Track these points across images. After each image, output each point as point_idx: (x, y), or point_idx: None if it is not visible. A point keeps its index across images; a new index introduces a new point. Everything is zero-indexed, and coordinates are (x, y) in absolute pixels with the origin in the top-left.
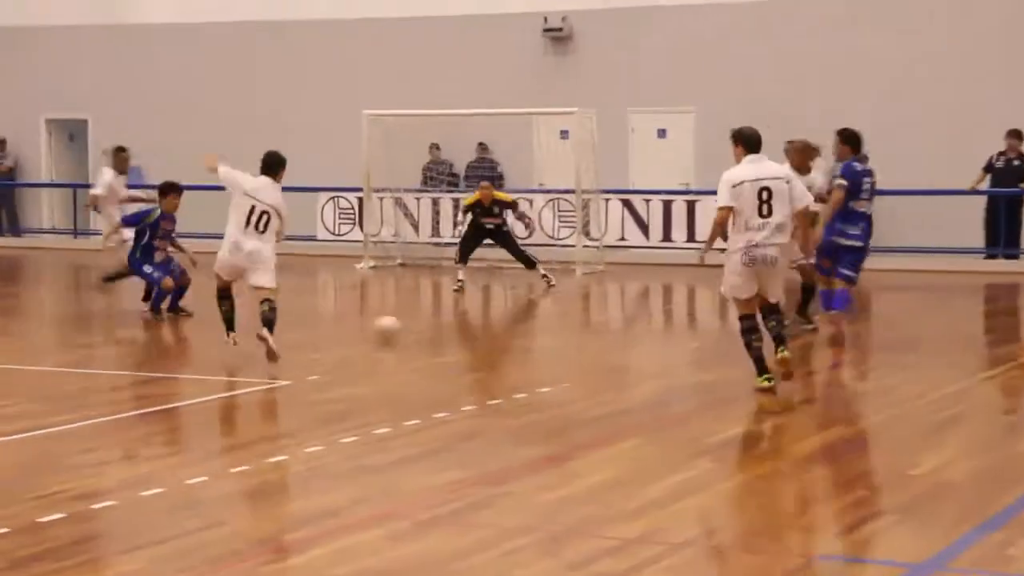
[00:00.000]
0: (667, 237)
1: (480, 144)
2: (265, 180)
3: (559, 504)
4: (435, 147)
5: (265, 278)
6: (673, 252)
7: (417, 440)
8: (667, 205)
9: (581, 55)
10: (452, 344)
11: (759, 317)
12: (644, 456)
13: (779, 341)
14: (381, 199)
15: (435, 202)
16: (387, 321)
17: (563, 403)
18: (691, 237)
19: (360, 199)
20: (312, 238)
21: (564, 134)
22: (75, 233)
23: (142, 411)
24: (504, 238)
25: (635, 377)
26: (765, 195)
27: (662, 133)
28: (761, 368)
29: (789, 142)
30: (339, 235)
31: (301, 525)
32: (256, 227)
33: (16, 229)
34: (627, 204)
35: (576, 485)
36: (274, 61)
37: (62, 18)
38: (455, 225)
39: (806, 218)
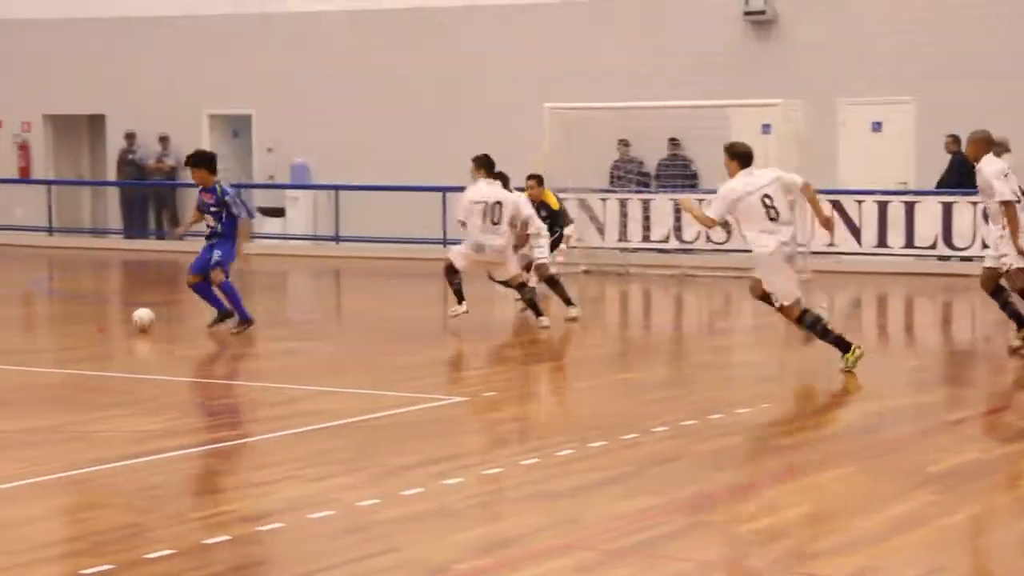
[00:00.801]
0: (882, 242)
1: (672, 140)
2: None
3: (759, 536)
4: (623, 143)
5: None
6: (889, 260)
7: (603, 463)
8: (882, 207)
9: (785, 40)
10: (641, 359)
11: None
12: (855, 485)
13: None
14: (563, 200)
15: (623, 203)
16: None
17: (763, 425)
18: (910, 242)
19: None
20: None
21: (766, 128)
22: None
23: (310, 428)
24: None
25: (845, 398)
26: (768, 200)
27: (877, 126)
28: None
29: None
30: None
31: (478, 553)
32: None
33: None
34: (836, 206)
35: (778, 516)
36: (447, 51)
37: (223, 7)
38: (645, 228)
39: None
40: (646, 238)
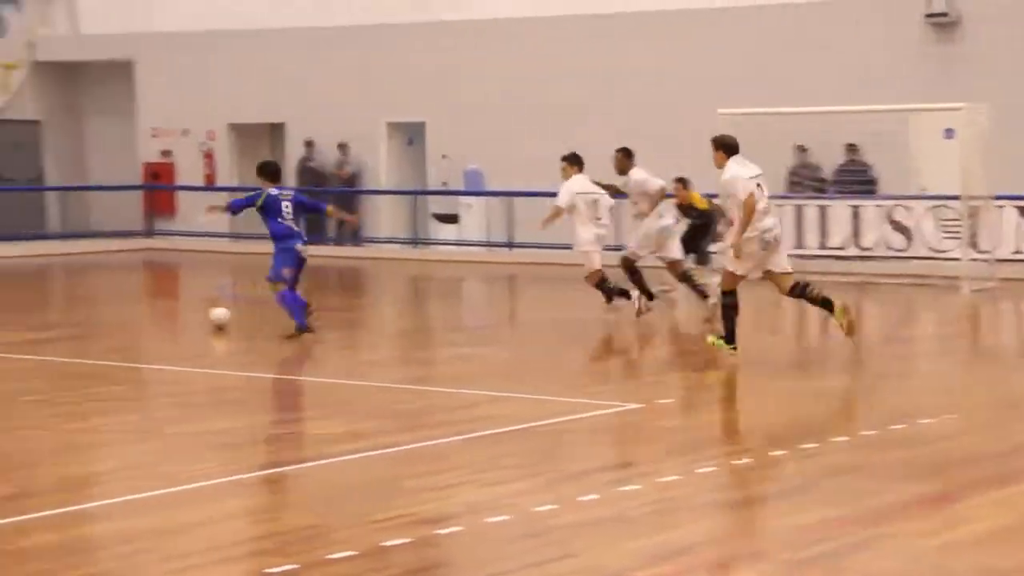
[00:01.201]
0: None
1: (849, 145)
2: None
3: (944, 551)
4: (800, 149)
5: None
6: None
7: (782, 473)
8: None
9: (970, 43)
10: (819, 367)
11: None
12: None
13: (827, 302)
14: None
15: (799, 209)
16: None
17: (948, 437)
18: None
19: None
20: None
21: (948, 133)
22: (414, 242)
23: (486, 432)
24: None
25: None
26: (759, 190)
27: None
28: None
29: None
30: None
31: (655, 561)
32: None
33: (357, 239)
34: None
35: (964, 531)
36: (619, 58)
37: (401, 16)
38: (821, 235)
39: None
40: (823, 245)
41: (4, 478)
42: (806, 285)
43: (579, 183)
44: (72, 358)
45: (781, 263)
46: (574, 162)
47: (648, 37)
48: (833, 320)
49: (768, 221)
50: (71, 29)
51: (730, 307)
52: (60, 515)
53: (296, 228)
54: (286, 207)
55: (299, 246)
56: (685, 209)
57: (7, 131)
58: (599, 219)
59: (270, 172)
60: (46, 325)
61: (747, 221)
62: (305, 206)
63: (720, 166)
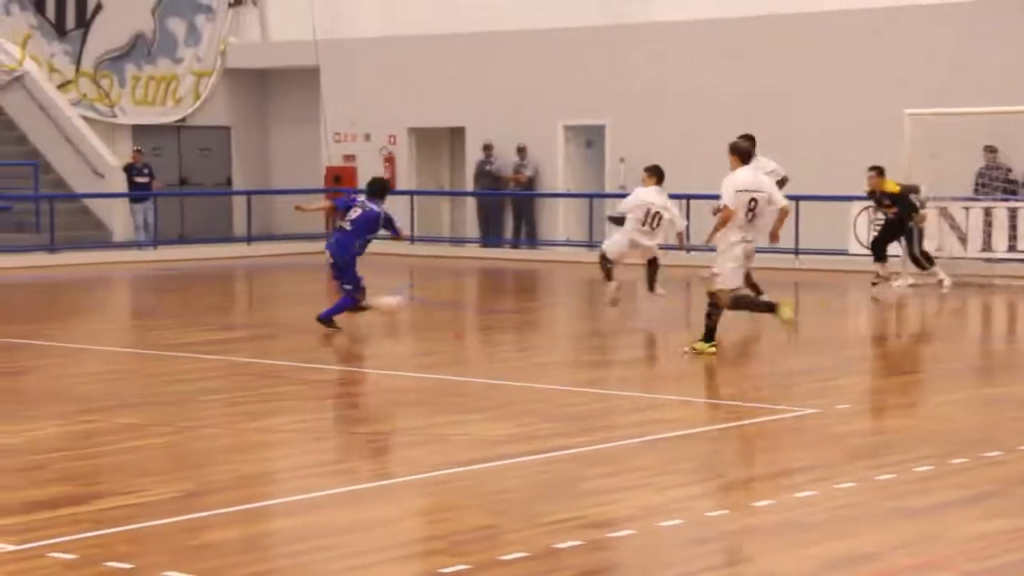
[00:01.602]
0: None
1: None
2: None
3: None
4: (990, 150)
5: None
6: None
7: (964, 481)
8: None
9: None
10: (1005, 373)
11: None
12: None
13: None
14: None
15: (987, 212)
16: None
17: None
18: None
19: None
20: (844, 252)
21: None
22: (590, 245)
23: (659, 436)
24: (898, 229)
25: None
26: (752, 204)
27: None
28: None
29: None
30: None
31: (831, 569)
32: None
33: (533, 241)
34: None
35: None
36: (798, 58)
37: (579, 19)
38: (1011, 238)
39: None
40: (1012, 248)
41: (183, 475)
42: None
43: (648, 194)
44: (255, 358)
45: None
46: (653, 174)
47: (830, 37)
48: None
49: (751, 232)
50: (261, 37)
51: (719, 311)
52: (237, 512)
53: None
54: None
55: None
56: (879, 197)
57: (198, 137)
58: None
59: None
60: (231, 326)
61: (717, 228)
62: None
63: (735, 170)
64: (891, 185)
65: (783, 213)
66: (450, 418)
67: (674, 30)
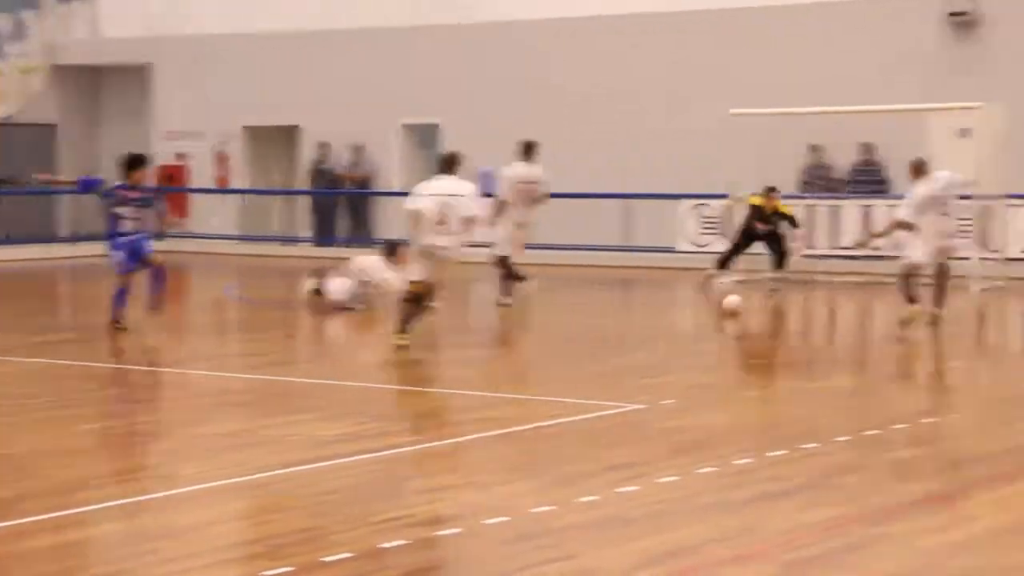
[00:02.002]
0: None
1: (863, 145)
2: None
3: (947, 550)
4: (814, 148)
5: None
6: None
7: (783, 473)
8: None
9: (991, 42)
10: (824, 367)
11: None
12: None
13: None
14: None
15: (811, 209)
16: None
17: (952, 436)
18: None
19: (729, 208)
20: (671, 250)
21: (965, 132)
22: None
23: (487, 434)
24: (776, 242)
25: None
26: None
27: None
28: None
29: None
30: (701, 247)
31: (653, 562)
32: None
33: (369, 240)
34: None
35: (966, 529)
36: (631, 58)
37: (417, 17)
38: (834, 234)
39: None
40: (834, 244)
41: (3, 481)
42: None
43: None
44: (77, 360)
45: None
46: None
47: (662, 37)
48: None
49: (434, 238)
50: (91, 33)
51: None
52: (59, 518)
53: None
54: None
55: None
56: (767, 216)
57: (23, 134)
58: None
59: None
60: (52, 328)
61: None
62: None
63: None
64: (785, 207)
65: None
66: (278, 419)
67: (514, 28)
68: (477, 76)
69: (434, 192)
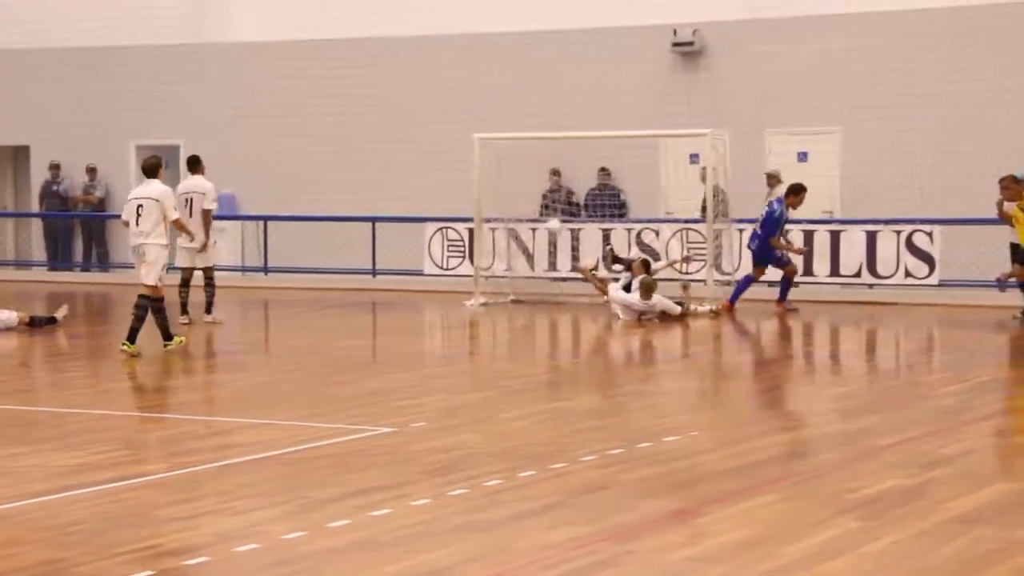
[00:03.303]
0: (808, 271)
1: (602, 169)
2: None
3: (688, 564)
4: (554, 173)
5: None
6: (815, 288)
7: (532, 493)
8: (808, 236)
9: (713, 71)
10: (569, 388)
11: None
12: (781, 513)
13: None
14: (493, 230)
15: (552, 233)
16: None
17: (692, 453)
18: (835, 271)
19: (471, 230)
20: (419, 272)
21: (694, 158)
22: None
23: (236, 460)
24: None
25: (771, 425)
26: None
27: (803, 156)
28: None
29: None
30: (447, 269)
31: None
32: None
33: (105, 264)
34: None
35: (706, 543)
36: (375, 81)
37: (153, 37)
38: (574, 258)
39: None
40: (575, 267)
41: None
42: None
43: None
44: None
45: (141, 276)
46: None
47: (409, 61)
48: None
49: (134, 238)
50: None
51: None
52: None
53: None
54: None
55: None
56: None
57: None
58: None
59: None
60: None
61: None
62: None
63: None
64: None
65: (176, 225)
66: (16, 449)
67: (257, 49)
68: (219, 98)
69: (132, 196)
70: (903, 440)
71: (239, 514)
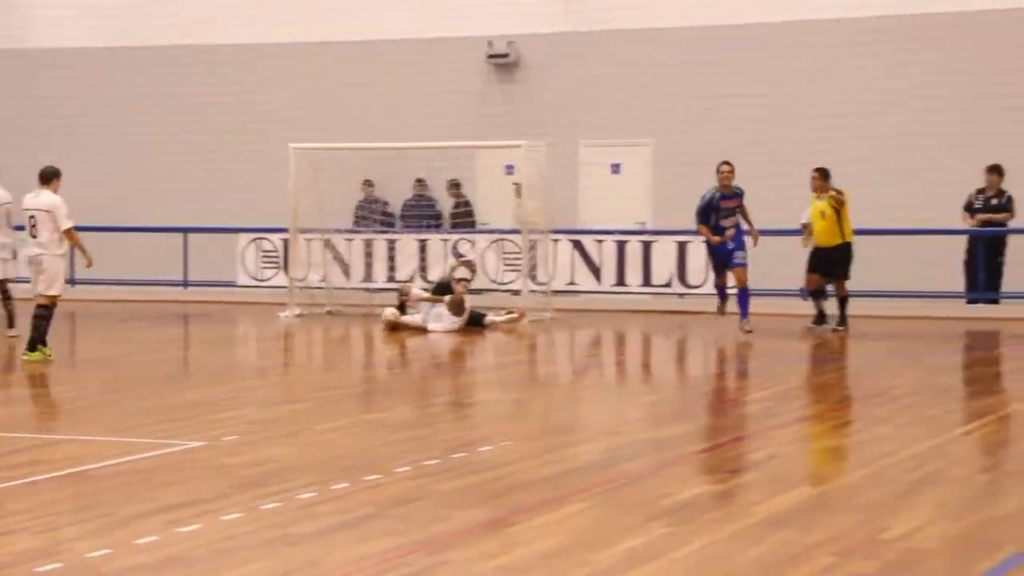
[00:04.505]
0: (620, 281)
1: (418, 180)
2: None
3: (501, 573)
4: (368, 183)
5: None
6: (627, 298)
7: (346, 505)
8: (621, 246)
9: (528, 83)
10: (383, 399)
11: None
12: (592, 520)
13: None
14: (308, 240)
15: (368, 244)
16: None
17: (505, 463)
18: (647, 281)
19: (285, 240)
20: (232, 284)
21: (509, 169)
22: None
23: (40, 477)
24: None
25: (583, 434)
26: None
27: (616, 168)
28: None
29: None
30: (262, 280)
31: None
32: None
33: None
34: (577, 245)
35: (519, 552)
36: (187, 89)
37: None
38: (390, 268)
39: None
40: (391, 279)
41: None
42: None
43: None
44: None
45: (37, 288)
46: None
47: (224, 69)
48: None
49: (31, 249)
50: None
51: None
52: None
53: None
54: None
55: None
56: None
57: None
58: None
59: None
60: None
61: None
62: None
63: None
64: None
65: (68, 235)
66: None
67: (60, 56)
68: (21, 105)
69: (24, 207)
70: (712, 446)
71: (43, 532)
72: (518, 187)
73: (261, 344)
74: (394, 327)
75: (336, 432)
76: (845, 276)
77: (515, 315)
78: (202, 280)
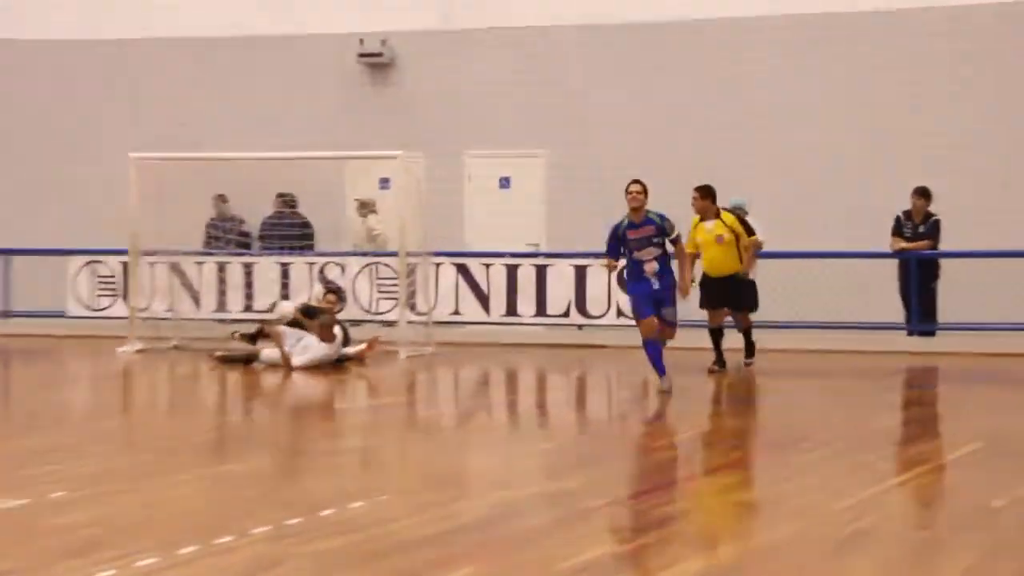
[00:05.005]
0: (511, 311)
1: (280, 196)
2: None
3: None
4: (221, 199)
5: None
6: (519, 329)
7: (194, 572)
8: (511, 271)
9: (406, 86)
10: (238, 448)
11: None
12: None
13: None
14: (152, 264)
15: (221, 267)
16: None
17: (381, 521)
18: (541, 311)
19: (125, 264)
20: (62, 314)
21: (384, 183)
22: None
23: None
24: None
25: (471, 487)
26: None
27: (505, 182)
28: None
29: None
30: (97, 310)
31: None
32: None
33: None
34: (462, 270)
35: None
36: (7, 88)
37: None
38: (247, 296)
39: None
40: (248, 307)
41: None
42: None
43: None
44: None
45: None
46: None
47: (49, 68)
48: None
49: None
50: None
51: None
52: None
53: None
54: None
55: None
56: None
57: None
58: None
59: None
60: None
61: None
62: None
63: None
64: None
65: None
66: None
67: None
68: None
69: None
70: (614, 501)
71: None
72: (363, 203)
73: (96, 384)
74: (224, 360)
75: (182, 487)
76: (754, 307)
77: (362, 346)
78: (27, 310)
